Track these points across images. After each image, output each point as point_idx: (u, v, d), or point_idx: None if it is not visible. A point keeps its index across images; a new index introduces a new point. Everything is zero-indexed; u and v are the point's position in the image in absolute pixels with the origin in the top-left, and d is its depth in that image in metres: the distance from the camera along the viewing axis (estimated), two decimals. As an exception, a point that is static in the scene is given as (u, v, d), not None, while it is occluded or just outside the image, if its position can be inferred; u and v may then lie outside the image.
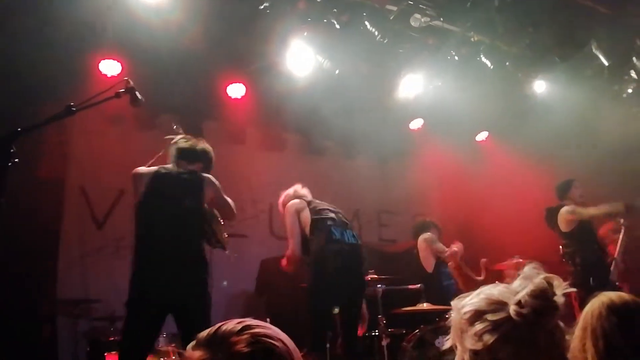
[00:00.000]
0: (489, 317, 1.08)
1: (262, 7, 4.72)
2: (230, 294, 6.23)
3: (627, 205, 4.89)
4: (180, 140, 3.75)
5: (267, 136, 7.01)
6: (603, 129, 6.59)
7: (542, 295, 1.08)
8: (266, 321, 4.05)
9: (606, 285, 4.71)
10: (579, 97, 6.43)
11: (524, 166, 7.01)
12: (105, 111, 5.20)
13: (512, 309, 1.07)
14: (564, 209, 5.19)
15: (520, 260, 5.24)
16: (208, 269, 3.37)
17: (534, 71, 6.27)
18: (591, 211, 5.09)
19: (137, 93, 2.82)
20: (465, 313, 1.13)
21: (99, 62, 5.17)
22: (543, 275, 1.13)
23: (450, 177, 7.73)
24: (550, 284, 1.10)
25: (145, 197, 3.36)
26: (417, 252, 5.77)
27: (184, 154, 3.65)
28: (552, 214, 5.32)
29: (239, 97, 5.94)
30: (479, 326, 1.09)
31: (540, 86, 6.42)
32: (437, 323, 4.77)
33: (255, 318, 3.74)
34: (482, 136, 7.70)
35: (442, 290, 5.28)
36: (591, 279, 4.83)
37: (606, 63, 5.87)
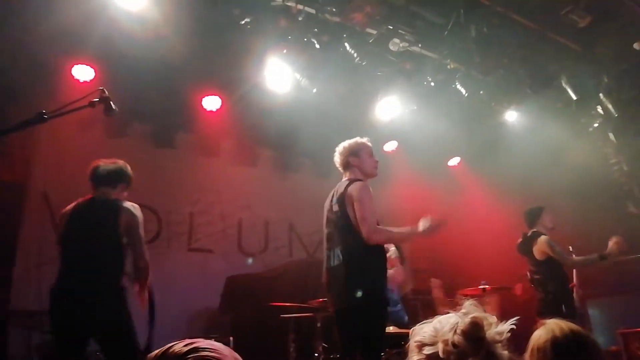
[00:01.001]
0: (426, 350, 1.11)
1: (243, 22, 4.71)
2: (192, 311, 6.07)
3: (601, 255, 4.97)
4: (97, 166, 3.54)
5: (241, 150, 6.94)
6: (569, 160, 6.79)
7: (470, 336, 1.08)
8: (229, 340, 3.95)
9: (575, 313, 4.85)
10: (548, 128, 6.63)
11: (493, 192, 7.14)
12: (73, 116, 5.06)
13: (440, 347, 1.09)
14: (544, 240, 5.04)
15: (487, 286, 5.25)
16: (123, 297, 3.27)
17: (506, 101, 6.45)
18: (574, 260, 5.07)
19: (111, 103, 2.75)
20: (415, 341, 1.16)
21: (72, 66, 5.04)
22: (473, 314, 1.13)
23: (421, 200, 7.79)
24: (479, 325, 1.10)
25: (61, 238, 3.38)
26: None
27: (102, 180, 3.48)
28: (527, 240, 5.30)
29: (214, 109, 5.86)
30: (416, 357, 1.14)
31: (511, 116, 6.60)
32: (402, 346, 4.73)
33: (217, 337, 3.64)
34: (454, 161, 7.83)
35: (393, 316, 5.17)
36: (563, 306, 4.88)
37: (575, 97, 6.08)
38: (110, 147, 5.74)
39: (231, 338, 5.35)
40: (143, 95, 5.52)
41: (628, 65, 6.01)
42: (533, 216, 5.35)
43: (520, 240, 5.32)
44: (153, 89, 5.55)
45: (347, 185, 3.42)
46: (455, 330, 1.10)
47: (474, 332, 1.09)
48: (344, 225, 3.34)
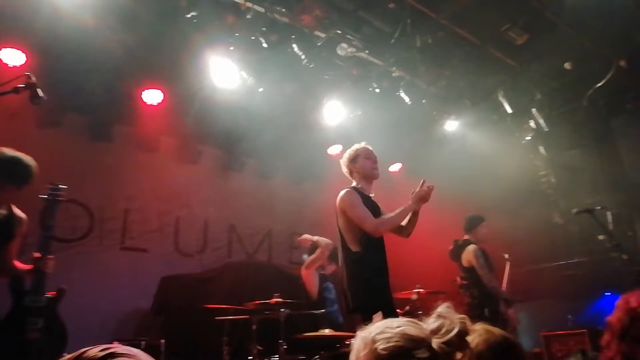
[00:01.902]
0: (419, 354, 1.12)
1: (189, 15, 4.58)
2: (122, 312, 5.80)
3: (506, 298, 5.33)
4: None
5: (182, 147, 6.69)
6: (503, 171, 7.12)
7: (460, 338, 1.16)
8: (160, 343, 3.79)
9: (497, 316, 5.12)
10: (485, 139, 6.92)
11: (432, 199, 7.32)
12: (2, 104, 4.72)
13: (435, 343, 1.14)
14: (471, 249, 5.38)
15: (421, 290, 5.39)
16: None
17: (447, 111, 6.67)
18: (486, 276, 5.30)
19: (38, 90, 2.56)
20: (383, 349, 1.14)
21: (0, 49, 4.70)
22: (459, 317, 1.20)
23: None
24: (466, 330, 1.18)
25: None
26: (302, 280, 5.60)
27: None
28: (458, 248, 5.56)
29: (155, 103, 5.65)
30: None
31: (451, 125, 6.82)
32: (338, 349, 4.76)
33: (148, 339, 3.49)
34: (395, 167, 7.98)
35: (329, 316, 5.22)
36: (486, 310, 5.14)
37: (510, 111, 6.39)
38: (41, 138, 5.41)
39: (162, 341, 5.16)
40: (80, 85, 5.22)
41: (559, 83, 6.40)
42: (471, 223, 5.61)
43: (451, 247, 5.57)
44: (91, 79, 5.27)
45: (338, 198, 3.54)
46: (456, 333, 1.15)
47: (465, 335, 1.16)
48: (340, 237, 3.52)
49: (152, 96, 5.64)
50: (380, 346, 1.14)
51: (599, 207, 4.42)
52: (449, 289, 5.92)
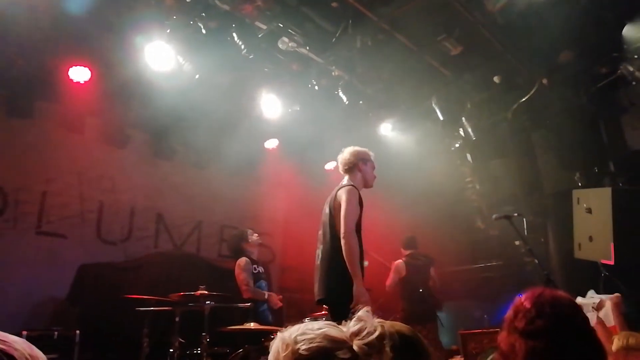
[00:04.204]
0: (340, 354, 1.15)
1: (124, -8, 4.38)
2: (35, 300, 5.46)
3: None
4: None
5: (108, 129, 6.34)
6: (432, 175, 7.42)
7: (379, 341, 1.19)
8: (75, 334, 3.62)
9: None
10: (417, 143, 7.17)
11: (364, 198, 7.50)
12: None
13: (355, 345, 1.17)
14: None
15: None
16: None
17: (383, 114, 6.83)
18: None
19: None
20: (305, 349, 1.16)
21: None
22: (377, 320, 1.24)
23: (297, 200, 7.92)
24: (384, 334, 1.21)
25: None
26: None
27: None
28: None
29: (82, 82, 5.33)
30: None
31: (386, 128, 7.00)
32: (262, 343, 4.75)
33: (61, 330, 3.33)
34: (331, 165, 8.06)
35: (258, 315, 5.19)
36: None
37: (442, 118, 6.65)
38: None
39: (77, 331, 4.93)
40: (-3, 56, 4.84)
41: (488, 95, 6.74)
42: (408, 243, 6.35)
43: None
44: (11, 50, 4.89)
45: (338, 190, 3.73)
46: (377, 335, 1.18)
47: (384, 338, 1.19)
48: (330, 226, 3.66)
49: (79, 73, 5.31)
50: (302, 347, 1.16)
51: (516, 214, 4.69)
52: (382, 294, 6.20)
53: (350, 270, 3.43)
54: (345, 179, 3.92)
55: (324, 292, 3.60)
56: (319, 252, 3.77)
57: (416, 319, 5.73)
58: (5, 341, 0.95)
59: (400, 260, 6.32)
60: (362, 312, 1.26)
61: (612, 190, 4.96)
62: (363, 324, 1.21)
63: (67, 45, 5.07)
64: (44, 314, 5.51)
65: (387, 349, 1.18)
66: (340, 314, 3.22)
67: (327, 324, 1.23)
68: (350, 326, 1.22)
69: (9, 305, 5.15)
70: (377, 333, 1.19)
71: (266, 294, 5.25)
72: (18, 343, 0.97)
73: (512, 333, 1.57)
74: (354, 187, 3.74)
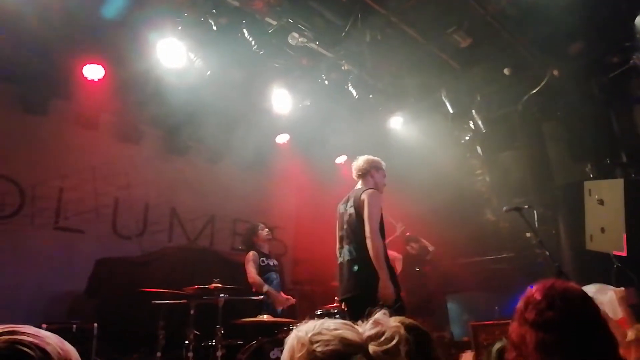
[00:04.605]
0: (354, 358, 1.14)
1: (137, -10, 4.44)
2: (53, 294, 5.59)
3: None
4: None
5: (123, 125, 6.46)
6: (442, 167, 7.41)
7: (397, 347, 1.19)
8: (93, 327, 3.70)
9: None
10: (427, 136, 7.17)
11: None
12: None
13: (372, 349, 1.16)
14: None
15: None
16: None
17: (392, 107, 6.84)
18: None
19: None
20: (321, 352, 1.16)
21: None
22: (395, 325, 1.23)
23: (308, 194, 7.99)
24: (403, 339, 1.21)
25: None
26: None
27: None
28: None
29: (96, 79, 5.42)
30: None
31: (397, 122, 7.02)
32: (275, 335, 4.82)
33: (79, 323, 3.42)
34: (341, 159, 8.10)
35: (268, 306, 5.25)
36: None
37: (451, 111, 6.64)
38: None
39: (95, 325, 5.04)
40: (13, 52, 4.93)
41: (498, 87, 6.72)
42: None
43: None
44: (26, 47, 4.98)
45: (362, 192, 3.99)
46: (395, 343, 1.17)
47: (400, 345, 1.19)
48: (357, 226, 3.92)
49: (93, 71, 5.41)
50: (318, 348, 1.15)
51: (526, 206, 4.69)
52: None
53: (376, 267, 3.70)
54: (359, 184, 4.20)
55: (355, 289, 3.82)
56: (345, 251, 4.00)
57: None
58: (38, 336, 0.99)
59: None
60: (380, 314, 1.25)
61: (625, 181, 4.94)
62: (380, 327, 1.20)
63: (81, 43, 5.14)
64: (63, 307, 5.64)
65: (403, 354, 1.17)
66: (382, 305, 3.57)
67: (344, 324, 1.22)
68: (367, 329, 1.20)
69: (28, 299, 5.28)
70: (395, 340, 1.18)
71: (265, 286, 5.27)
72: (50, 338, 1.02)
73: (522, 324, 1.60)
74: (376, 190, 4.02)
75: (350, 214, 4.02)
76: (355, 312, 3.70)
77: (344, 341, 1.16)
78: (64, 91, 5.75)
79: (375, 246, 3.73)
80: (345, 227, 4.07)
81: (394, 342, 1.17)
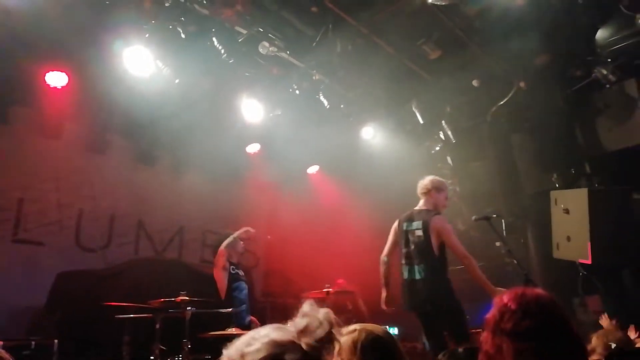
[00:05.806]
0: (289, 357, 1.12)
1: (103, -4, 4.33)
2: (12, 309, 5.35)
3: None
4: None
5: (88, 135, 6.24)
6: (414, 177, 7.45)
7: (327, 333, 1.16)
8: (53, 343, 3.53)
9: None
10: (398, 146, 7.22)
11: (346, 201, 7.55)
12: None
13: (304, 343, 1.14)
14: None
15: (330, 289, 5.50)
16: None
17: (364, 117, 6.87)
18: None
19: None
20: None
21: None
22: (323, 311, 1.19)
23: (280, 204, 7.92)
24: (332, 323, 1.17)
25: None
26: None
27: None
28: None
29: (59, 87, 5.25)
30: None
31: (368, 132, 7.04)
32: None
33: (39, 339, 3.26)
34: (313, 169, 8.08)
35: (236, 316, 5.14)
36: None
37: (422, 121, 6.71)
38: None
39: (55, 341, 4.83)
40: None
41: (467, 98, 6.82)
42: None
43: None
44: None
45: (431, 216, 4.44)
46: (326, 330, 1.15)
47: (333, 332, 1.17)
48: (427, 248, 4.36)
49: (56, 78, 5.24)
50: (249, 358, 1.12)
51: (494, 215, 4.75)
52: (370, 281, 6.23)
53: (478, 279, 4.35)
54: (421, 202, 4.65)
55: (434, 301, 4.30)
56: (415, 270, 4.41)
57: None
58: None
59: None
60: (306, 305, 1.22)
61: (589, 191, 5.07)
62: (308, 319, 1.17)
63: (44, 49, 4.99)
64: (21, 323, 5.40)
65: (337, 337, 1.16)
66: (456, 314, 4.29)
67: (273, 327, 1.19)
68: (297, 324, 1.18)
69: (-16, 314, 5.04)
70: (324, 326, 1.16)
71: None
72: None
73: (498, 334, 1.58)
74: (441, 215, 4.50)
75: (418, 236, 4.43)
76: (431, 322, 4.39)
77: (273, 343, 1.14)
78: (26, 99, 5.56)
79: (472, 263, 4.32)
80: (412, 247, 4.46)
81: (325, 329, 1.15)
